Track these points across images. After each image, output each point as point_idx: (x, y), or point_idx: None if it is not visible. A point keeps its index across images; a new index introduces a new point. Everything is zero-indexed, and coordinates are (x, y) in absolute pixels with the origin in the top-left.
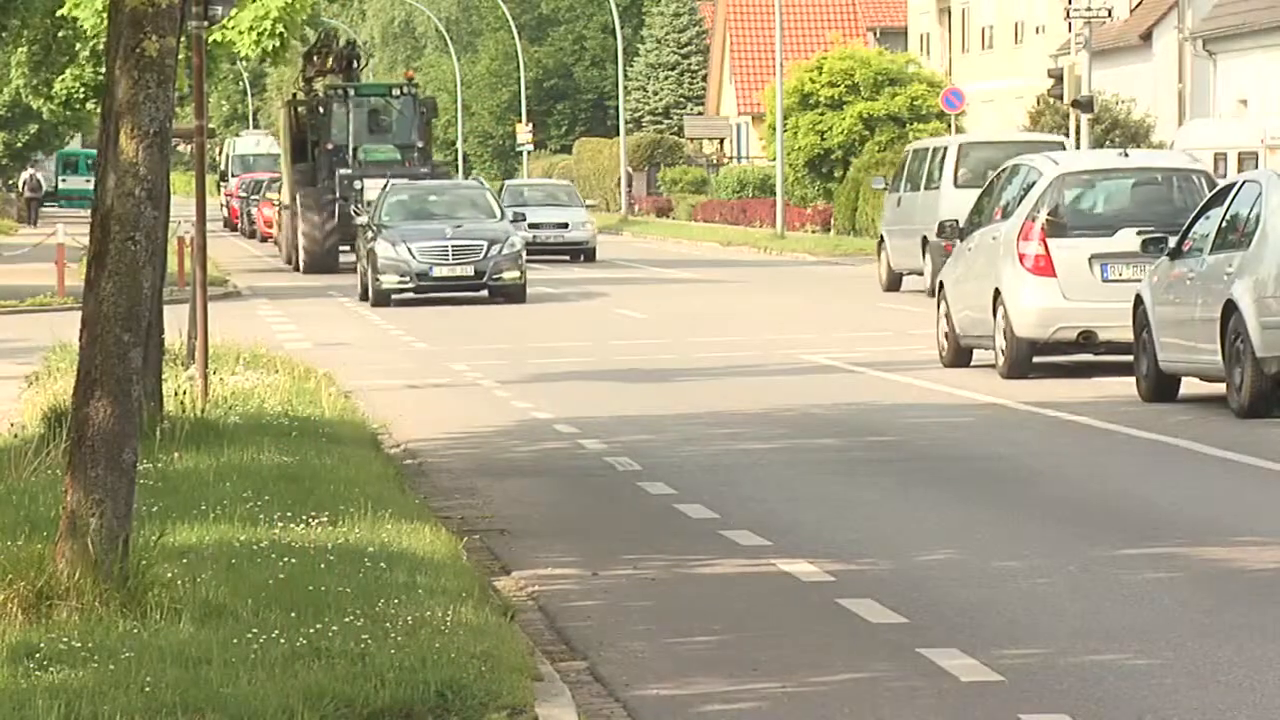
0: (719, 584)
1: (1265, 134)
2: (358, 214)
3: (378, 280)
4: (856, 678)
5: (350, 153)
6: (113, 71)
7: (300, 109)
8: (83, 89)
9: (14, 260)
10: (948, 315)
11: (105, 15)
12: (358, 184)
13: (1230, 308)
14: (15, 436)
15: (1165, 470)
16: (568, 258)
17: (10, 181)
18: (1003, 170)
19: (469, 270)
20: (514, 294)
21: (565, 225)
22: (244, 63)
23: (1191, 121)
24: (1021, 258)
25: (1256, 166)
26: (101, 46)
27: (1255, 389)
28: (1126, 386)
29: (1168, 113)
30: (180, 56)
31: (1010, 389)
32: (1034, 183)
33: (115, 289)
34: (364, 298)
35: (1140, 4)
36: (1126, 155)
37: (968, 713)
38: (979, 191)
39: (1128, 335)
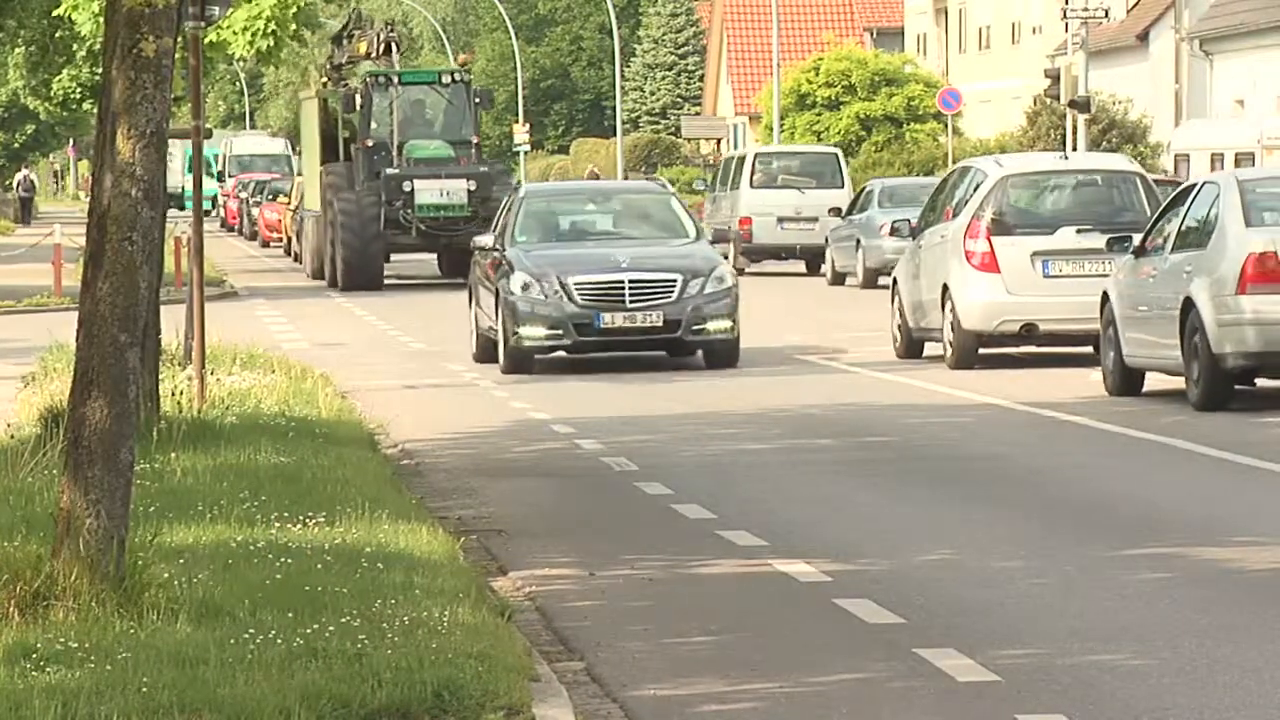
0: (716, 584)
1: (1262, 134)
2: (408, 221)
3: (515, 333)
4: (853, 678)
5: (395, 149)
6: (109, 72)
7: (331, 101)
8: (80, 89)
9: (11, 260)
10: (900, 309)
11: (102, 16)
12: (407, 185)
13: (1188, 305)
14: (12, 437)
15: (1163, 471)
16: None
17: (7, 182)
18: (953, 172)
19: (655, 318)
20: (724, 355)
21: None
22: (241, 63)
23: (1188, 122)
24: (968, 255)
25: (1253, 167)
26: (98, 47)
27: (1211, 383)
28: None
29: (1164, 113)
30: (177, 57)
31: (1008, 389)
32: (980, 184)
33: (112, 289)
34: (484, 358)
35: (1137, 4)
36: (1066, 158)
37: (965, 713)
38: (770, 191)
39: (1067, 328)
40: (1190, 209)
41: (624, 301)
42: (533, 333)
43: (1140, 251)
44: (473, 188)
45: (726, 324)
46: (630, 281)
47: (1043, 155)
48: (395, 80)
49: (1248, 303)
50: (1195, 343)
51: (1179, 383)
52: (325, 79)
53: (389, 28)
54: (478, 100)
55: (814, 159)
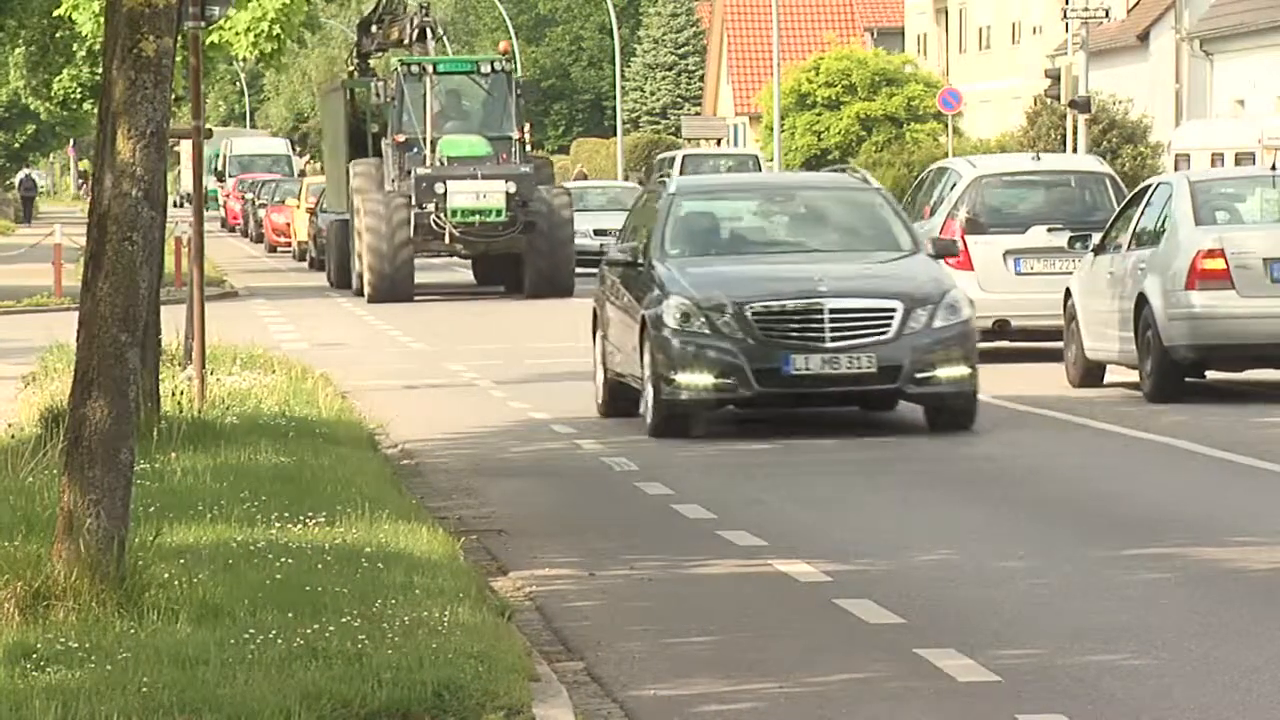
0: (716, 584)
1: (1262, 134)
2: (440, 226)
3: (669, 380)
4: (853, 678)
5: (428, 146)
6: (110, 72)
7: (359, 93)
8: (80, 89)
9: (11, 260)
10: None
11: (102, 16)
12: (439, 187)
13: (1142, 300)
14: (12, 437)
15: (1162, 471)
16: None
17: (7, 182)
18: (930, 171)
19: (866, 362)
20: (959, 412)
21: None
22: (241, 64)
23: (1188, 122)
24: None
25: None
26: (98, 47)
27: (1161, 376)
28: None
29: (1165, 113)
30: (177, 57)
31: (1005, 389)
32: (955, 184)
33: (112, 289)
34: (616, 410)
35: (1137, 4)
36: (1039, 159)
37: (964, 713)
38: None
39: (1038, 324)
40: (1146, 209)
41: (823, 339)
42: (696, 380)
43: (1100, 249)
44: (511, 190)
45: (963, 370)
46: (832, 311)
47: (1016, 156)
48: (431, 69)
49: (1196, 298)
50: (1148, 337)
51: (1134, 375)
52: (352, 69)
53: (424, 12)
54: (519, 93)
55: (738, 160)
